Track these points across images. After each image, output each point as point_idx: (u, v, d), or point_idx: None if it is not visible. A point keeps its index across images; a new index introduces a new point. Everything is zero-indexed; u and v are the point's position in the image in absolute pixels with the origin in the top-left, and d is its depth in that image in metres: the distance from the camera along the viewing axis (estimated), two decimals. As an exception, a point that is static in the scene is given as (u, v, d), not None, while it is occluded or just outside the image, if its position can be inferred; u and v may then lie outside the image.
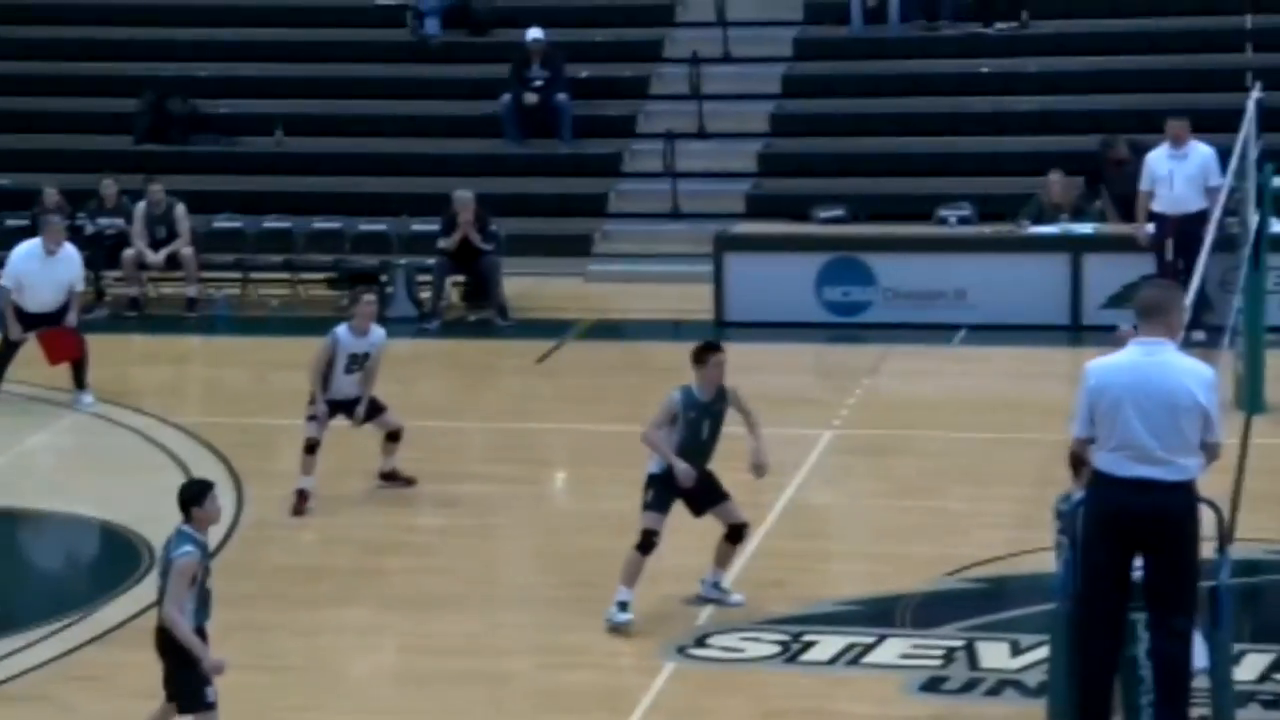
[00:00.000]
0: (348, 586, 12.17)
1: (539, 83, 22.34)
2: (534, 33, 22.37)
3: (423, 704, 10.45)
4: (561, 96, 22.33)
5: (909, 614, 11.44)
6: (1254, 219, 15.09)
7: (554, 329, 19.03)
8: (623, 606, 11.24)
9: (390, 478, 13.91)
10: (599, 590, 11.88)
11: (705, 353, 11.29)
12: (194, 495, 9.16)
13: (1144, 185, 17.74)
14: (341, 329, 13.59)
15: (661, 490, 11.25)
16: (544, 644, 11.24)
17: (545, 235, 21.27)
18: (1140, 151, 18.48)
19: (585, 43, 23.41)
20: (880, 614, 11.46)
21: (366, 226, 20.78)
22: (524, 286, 20.21)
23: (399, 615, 11.67)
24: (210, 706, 9.13)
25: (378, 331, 13.72)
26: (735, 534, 11.51)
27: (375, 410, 13.76)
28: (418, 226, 20.44)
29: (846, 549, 12.97)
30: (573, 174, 22.30)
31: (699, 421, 11.21)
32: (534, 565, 12.83)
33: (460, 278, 19.93)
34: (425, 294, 19.64)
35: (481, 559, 12.78)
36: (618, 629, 11.16)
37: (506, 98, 22.40)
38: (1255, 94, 15.90)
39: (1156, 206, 17.58)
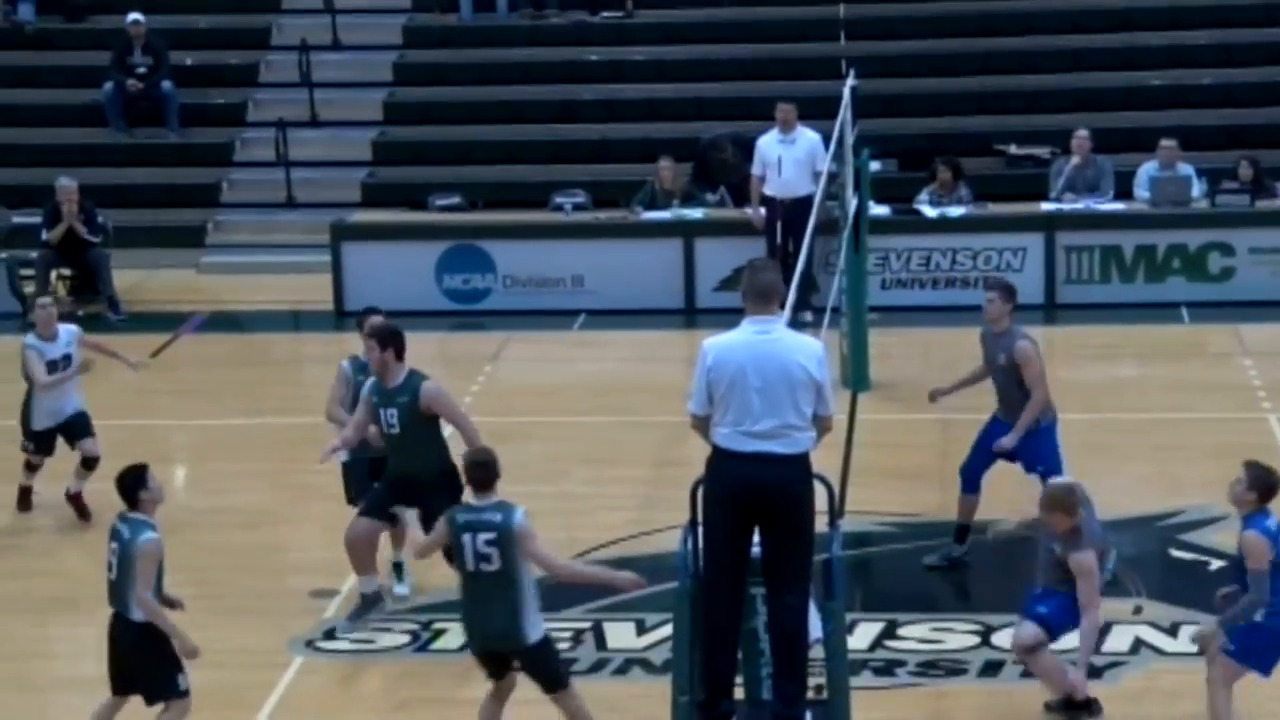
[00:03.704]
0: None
1: (142, 69, 21.84)
2: (134, 15, 21.86)
3: (41, 712, 10.14)
4: (167, 84, 21.86)
5: (537, 598, 11.56)
6: (853, 202, 15.64)
7: (168, 322, 18.64)
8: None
9: (76, 501, 13.20)
10: (222, 588, 11.73)
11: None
12: (138, 479, 9.16)
13: (755, 169, 18.23)
14: (32, 339, 13.12)
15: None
16: (168, 645, 11.01)
17: (155, 226, 20.84)
18: (744, 145, 19.01)
19: (190, 29, 22.98)
20: (508, 599, 11.55)
21: (-35, 220, 20.03)
22: (135, 279, 19.75)
23: (10, 620, 11.32)
24: (185, 694, 8.98)
25: (68, 329, 13.23)
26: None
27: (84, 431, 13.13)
28: (19, 219, 19.76)
29: (473, 536, 13.01)
30: (182, 163, 21.87)
31: (378, 409, 10.91)
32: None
33: (67, 271, 19.39)
34: (30, 288, 19.01)
35: (99, 560, 12.42)
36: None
37: (109, 85, 21.83)
38: (851, 81, 16.46)
39: (767, 190, 18.08)
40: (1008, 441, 11.66)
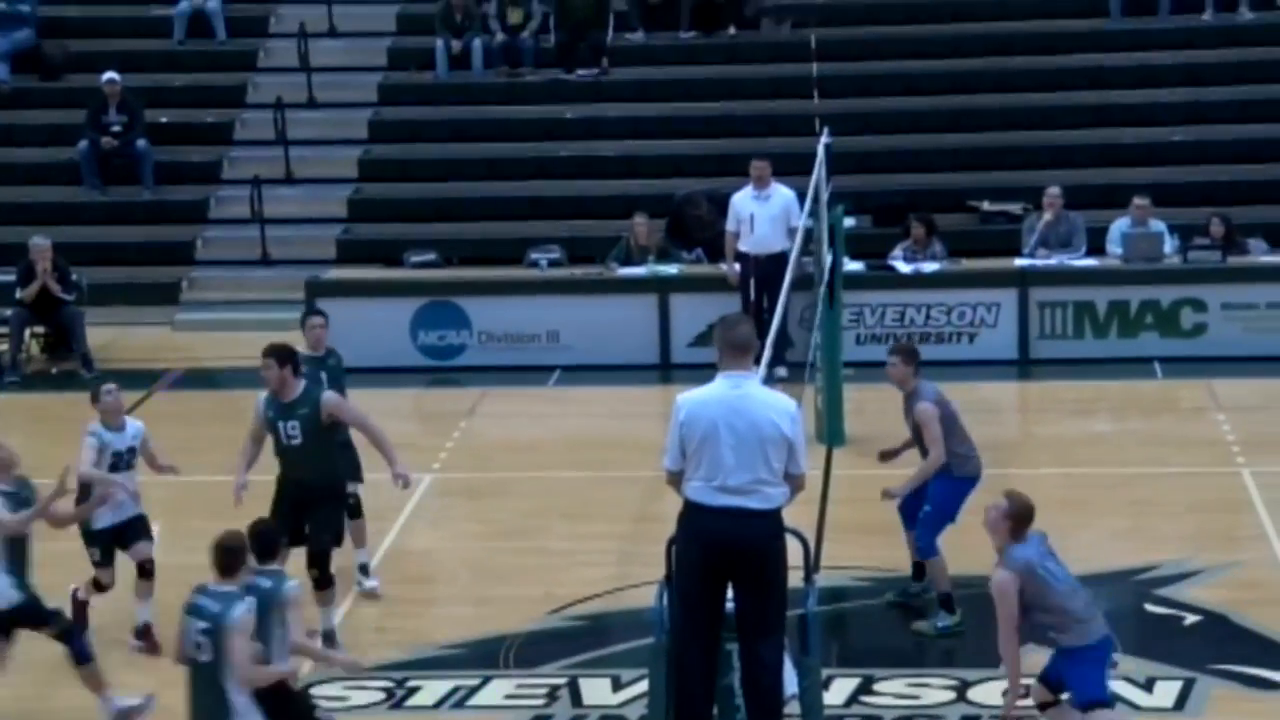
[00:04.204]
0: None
1: (117, 128, 21.87)
2: (109, 74, 21.90)
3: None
4: (141, 142, 21.89)
5: (513, 654, 11.55)
6: (828, 258, 15.70)
7: (142, 379, 18.59)
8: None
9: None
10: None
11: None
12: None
13: (730, 226, 18.31)
14: (97, 427, 11.94)
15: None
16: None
17: (130, 284, 20.84)
18: (719, 202, 19.09)
19: (165, 88, 23.05)
20: (485, 656, 11.55)
21: (-62, 278, 19.98)
22: (109, 336, 19.72)
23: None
24: None
25: (135, 425, 12.16)
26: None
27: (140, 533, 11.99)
28: (-8, 277, 19.78)
29: (450, 592, 13.01)
30: (157, 221, 21.89)
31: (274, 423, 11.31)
32: (125, 621, 12.49)
33: (40, 329, 19.38)
34: (3, 346, 19.01)
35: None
36: None
37: (83, 144, 21.85)
38: (825, 139, 16.56)
39: (741, 246, 18.15)
40: (896, 490, 11.79)
